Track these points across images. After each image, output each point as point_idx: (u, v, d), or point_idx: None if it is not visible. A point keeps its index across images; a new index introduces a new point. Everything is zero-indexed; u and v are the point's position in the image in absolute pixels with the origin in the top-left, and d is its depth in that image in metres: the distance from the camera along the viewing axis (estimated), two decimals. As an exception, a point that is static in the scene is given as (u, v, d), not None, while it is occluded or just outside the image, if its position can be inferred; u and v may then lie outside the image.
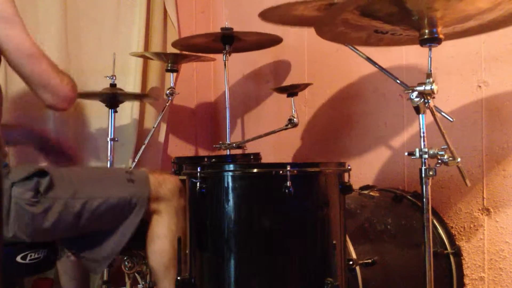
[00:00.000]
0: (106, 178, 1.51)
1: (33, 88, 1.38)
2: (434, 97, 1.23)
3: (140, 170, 1.57)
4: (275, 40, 2.11)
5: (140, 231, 1.50)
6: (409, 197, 1.77)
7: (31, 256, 1.38)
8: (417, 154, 1.24)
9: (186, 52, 2.23)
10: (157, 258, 1.53)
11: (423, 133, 1.24)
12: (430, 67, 1.23)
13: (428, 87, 1.20)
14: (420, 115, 1.24)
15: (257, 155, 2.04)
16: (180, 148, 2.74)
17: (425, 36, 1.22)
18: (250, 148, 2.19)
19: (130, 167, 2.08)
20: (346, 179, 1.37)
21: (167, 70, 2.17)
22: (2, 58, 1.37)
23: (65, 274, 1.72)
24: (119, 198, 1.45)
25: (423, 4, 1.15)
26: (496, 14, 1.18)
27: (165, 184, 1.55)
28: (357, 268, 1.43)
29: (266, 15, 1.72)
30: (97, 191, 1.43)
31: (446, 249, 1.71)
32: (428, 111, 1.25)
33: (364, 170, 2.08)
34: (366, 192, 1.76)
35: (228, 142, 2.15)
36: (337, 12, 1.22)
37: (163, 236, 1.52)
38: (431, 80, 1.20)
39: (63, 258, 1.65)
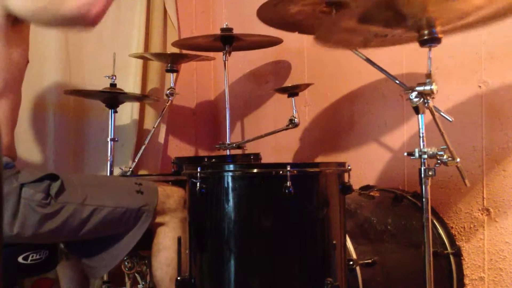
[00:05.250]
0: (117, 188, 1.52)
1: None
2: (434, 97, 1.23)
3: (150, 182, 1.58)
4: (275, 42, 2.11)
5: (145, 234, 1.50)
6: (409, 197, 1.77)
7: (32, 256, 1.38)
8: (417, 154, 1.24)
9: (186, 52, 2.23)
10: (163, 268, 1.53)
11: (422, 133, 1.24)
12: (430, 67, 1.23)
13: (427, 87, 1.20)
14: (419, 115, 1.24)
15: (257, 156, 2.04)
16: (180, 148, 2.74)
17: (425, 37, 1.22)
18: (250, 149, 2.19)
19: (130, 167, 2.08)
20: (346, 179, 1.37)
21: (167, 70, 2.17)
22: None
23: (64, 276, 1.72)
24: (126, 208, 1.45)
25: (417, 7, 1.15)
26: (494, 7, 1.18)
27: (172, 196, 1.55)
28: (357, 268, 1.44)
29: (264, 14, 1.70)
30: (106, 200, 1.43)
31: (446, 249, 1.71)
32: (427, 111, 1.25)
33: (364, 170, 2.08)
34: (366, 192, 1.76)
35: (228, 142, 2.15)
36: (334, 22, 1.22)
37: (168, 247, 1.53)
38: (430, 80, 1.20)
39: (62, 260, 1.65)
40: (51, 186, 1.36)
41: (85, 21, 1.31)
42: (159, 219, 1.53)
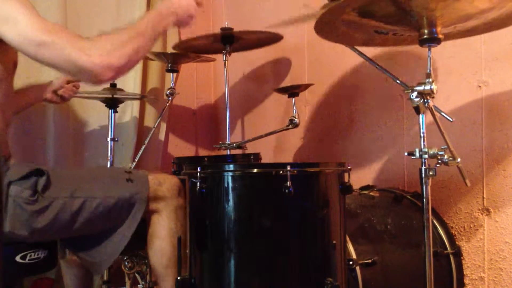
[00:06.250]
0: (106, 178, 1.51)
1: (63, 73, 1.31)
2: (433, 97, 1.23)
3: (140, 170, 1.57)
4: (275, 38, 2.10)
5: (140, 231, 1.50)
6: (409, 197, 1.77)
7: (30, 256, 1.38)
8: (417, 154, 1.23)
9: (186, 52, 2.23)
10: (157, 257, 1.53)
11: (423, 133, 1.24)
12: (430, 67, 1.23)
13: (427, 87, 1.20)
14: (420, 115, 1.23)
15: (257, 155, 2.04)
16: (180, 148, 2.74)
17: (425, 36, 1.22)
18: (250, 148, 2.19)
19: (130, 167, 2.08)
20: (346, 179, 1.37)
21: (167, 70, 2.17)
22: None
23: (68, 272, 1.72)
24: (118, 198, 1.44)
25: (420, 4, 1.15)
26: (497, 13, 1.18)
27: (165, 183, 1.54)
28: (357, 268, 1.43)
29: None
30: (96, 191, 1.42)
31: (446, 249, 1.71)
32: (428, 111, 1.25)
33: (364, 170, 2.08)
34: (366, 192, 1.75)
35: (228, 142, 2.15)
36: (335, 13, 1.22)
37: (163, 236, 1.52)
38: (430, 80, 1.20)
39: (67, 256, 1.65)
40: (37, 182, 1.34)
41: (92, 77, 1.26)
42: (152, 207, 1.51)
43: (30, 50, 1.25)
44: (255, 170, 1.32)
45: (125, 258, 1.83)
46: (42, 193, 1.34)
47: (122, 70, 1.28)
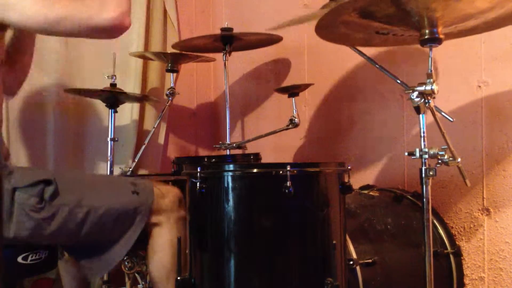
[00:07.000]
0: (111, 188, 1.50)
1: (85, 37, 1.34)
2: (434, 97, 1.23)
3: (145, 182, 1.56)
4: (275, 40, 2.11)
5: (141, 232, 1.49)
6: (409, 197, 1.77)
7: (32, 257, 1.38)
8: (417, 154, 1.24)
9: (186, 52, 2.23)
10: (159, 269, 1.52)
11: (424, 133, 1.24)
12: (431, 67, 1.23)
13: (428, 87, 1.20)
14: (421, 115, 1.24)
15: (257, 155, 2.04)
16: (180, 148, 2.73)
17: (426, 36, 1.22)
18: (250, 148, 2.19)
19: (130, 168, 2.08)
20: (346, 179, 1.37)
21: (167, 70, 2.17)
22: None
23: (66, 274, 1.71)
24: (122, 209, 1.43)
25: (421, 5, 1.15)
26: (497, 12, 1.19)
27: (167, 196, 1.54)
28: (357, 268, 1.44)
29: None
30: (101, 201, 1.42)
31: (446, 249, 1.71)
32: (428, 111, 1.25)
33: (364, 170, 2.08)
34: (366, 192, 1.76)
35: (228, 142, 2.15)
36: (336, 14, 1.22)
37: (164, 248, 1.51)
38: (431, 80, 1.20)
39: (64, 257, 1.65)
40: (44, 190, 1.33)
41: (115, 32, 1.30)
42: (154, 219, 1.50)
43: (46, 27, 1.26)
44: (255, 170, 1.32)
45: (125, 258, 1.83)
46: (50, 201, 1.34)
47: (129, 12, 1.32)
